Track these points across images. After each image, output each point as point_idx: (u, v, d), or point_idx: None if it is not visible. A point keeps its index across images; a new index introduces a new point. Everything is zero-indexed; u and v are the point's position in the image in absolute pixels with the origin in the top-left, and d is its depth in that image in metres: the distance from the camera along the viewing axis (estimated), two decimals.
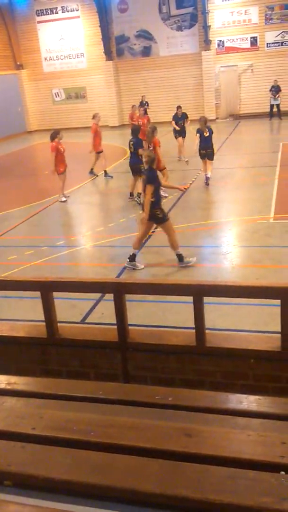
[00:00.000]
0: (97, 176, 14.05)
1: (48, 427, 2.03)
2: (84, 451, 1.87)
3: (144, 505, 1.69)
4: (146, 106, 20.14)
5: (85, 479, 1.73)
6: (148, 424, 2.10)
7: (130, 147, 11.07)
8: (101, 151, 13.69)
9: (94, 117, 13.91)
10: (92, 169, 14.09)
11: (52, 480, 1.73)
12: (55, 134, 11.66)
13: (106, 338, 3.48)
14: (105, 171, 13.88)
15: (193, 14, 23.49)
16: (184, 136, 14.77)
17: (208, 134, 11.57)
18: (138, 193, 10.85)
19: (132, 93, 23.95)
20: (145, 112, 19.25)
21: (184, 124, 14.84)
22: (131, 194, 11.25)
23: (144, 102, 21.26)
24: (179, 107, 15.15)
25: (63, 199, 11.87)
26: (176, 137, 14.87)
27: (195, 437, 2.00)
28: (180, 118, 14.85)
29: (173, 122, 14.90)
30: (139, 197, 10.45)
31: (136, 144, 10.83)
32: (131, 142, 10.96)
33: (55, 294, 3.62)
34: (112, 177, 13.79)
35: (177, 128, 14.72)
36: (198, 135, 11.71)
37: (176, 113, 14.98)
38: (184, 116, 14.92)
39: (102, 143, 13.83)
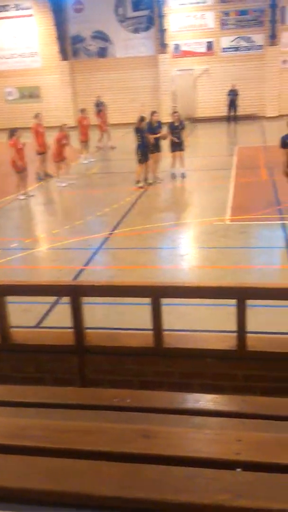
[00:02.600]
0: (52, 177, 13.79)
1: (1, 435, 1.97)
2: (39, 458, 1.82)
3: (102, 509, 1.67)
4: (101, 107, 20.10)
5: (41, 486, 1.69)
6: (106, 428, 2.08)
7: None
8: (43, 153, 13.24)
9: (35, 116, 13.66)
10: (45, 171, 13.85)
11: (6, 489, 1.68)
12: (13, 132, 11.61)
13: (62, 342, 3.42)
14: (46, 173, 13.56)
15: (149, 17, 23.65)
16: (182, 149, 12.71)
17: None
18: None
19: (88, 93, 23.83)
20: (100, 112, 19.23)
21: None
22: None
23: (100, 103, 21.22)
24: (174, 113, 12.91)
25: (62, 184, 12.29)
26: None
27: (153, 438, 2.00)
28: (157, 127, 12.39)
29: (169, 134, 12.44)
30: None
31: None
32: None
33: (9, 298, 3.53)
34: (42, 179, 13.44)
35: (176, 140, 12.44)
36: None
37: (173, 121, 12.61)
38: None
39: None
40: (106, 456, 1.88)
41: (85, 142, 15.75)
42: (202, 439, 1.98)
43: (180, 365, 3.23)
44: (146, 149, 12.00)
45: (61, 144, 12.70)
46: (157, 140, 12.19)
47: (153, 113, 12.29)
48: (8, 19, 24.71)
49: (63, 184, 12.82)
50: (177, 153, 12.54)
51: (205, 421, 2.13)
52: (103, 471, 1.77)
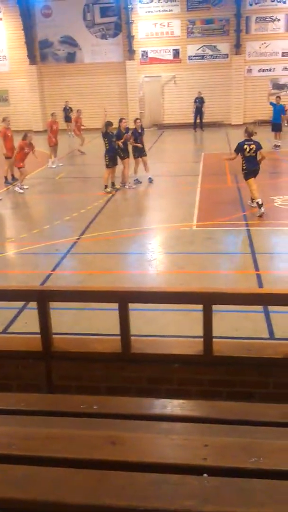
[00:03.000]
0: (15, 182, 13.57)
1: None
2: (5, 465, 1.79)
3: None
4: (69, 112, 20.06)
5: (7, 494, 1.66)
6: (73, 434, 2.06)
7: None
8: (11, 157, 13.06)
9: (3, 120, 13.59)
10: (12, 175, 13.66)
11: None
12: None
13: (29, 347, 3.38)
14: (13, 177, 13.46)
15: (117, 24, 23.75)
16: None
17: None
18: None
19: (57, 98, 23.69)
20: (67, 119, 19.17)
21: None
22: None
23: (68, 108, 21.15)
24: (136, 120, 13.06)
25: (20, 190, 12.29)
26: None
27: (120, 445, 2.00)
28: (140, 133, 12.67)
29: (132, 139, 12.46)
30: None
31: None
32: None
33: None
34: (10, 183, 13.39)
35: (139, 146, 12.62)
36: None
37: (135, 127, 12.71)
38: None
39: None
40: (73, 463, 1.87)
41: (53, 146, 15.64)
42: (169, 445, 1.99)
43: (148, 371, 3.24)
44: (114, 154, 12.12)
45: (23, 152, 12.59)
46: (125, 145, 12.28)
47: (121, 120, 12.42)
48: None
49: (21, 190, 12.67)
50: (142, 158, 12.76)
51: (172, 427, 2.14)
52: (70, 479, 1.76)
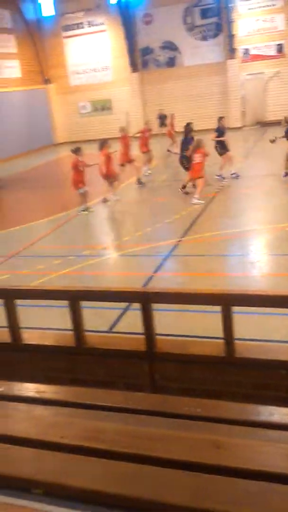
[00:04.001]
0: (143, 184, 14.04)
1: (77, 436, 2.03)
2: (113, 462, 1.86)
3: None
4: (164, 119, 20.62)
5: (115, 489, 1.71)
6: (176, 436, 2.07)
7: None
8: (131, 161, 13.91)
9: (121, 130, 13.97)
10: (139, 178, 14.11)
11: (81, 490, 1.73)
12: (104, 143, 12.34)
13: (133, 347, 3.46)
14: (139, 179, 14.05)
15: (217, 24, 23.57)
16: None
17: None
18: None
19: (157, 103, 24.10)
20: (162, 124, 19.74)
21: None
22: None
23: (162, 115, 21.52)
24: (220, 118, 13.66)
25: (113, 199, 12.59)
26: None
27: (224, 450, 1.96)
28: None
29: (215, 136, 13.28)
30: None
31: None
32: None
33: (82, 303, 3.64)
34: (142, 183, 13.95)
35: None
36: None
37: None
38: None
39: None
40: (176, 465, 1.88)
41: (146, 152, 15.86)
42: (276, 454, 1.92)
43: (252, 376, 3.15)
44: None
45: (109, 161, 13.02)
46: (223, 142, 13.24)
47: (221, 118, 13.44)
48: (82, 36, 25.67)
49: (145, 175, 13.58)
50: (226, 154, 13.32)
51: (280, 435, 2.06)
52: (174, 480, 1.77)
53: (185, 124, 13.39)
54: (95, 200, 12.69)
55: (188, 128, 13.07)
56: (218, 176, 13.30)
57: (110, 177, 12.45)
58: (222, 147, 13.23)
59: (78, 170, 11.69)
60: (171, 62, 24.92)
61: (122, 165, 13.71)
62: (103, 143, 12.25)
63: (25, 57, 25.42)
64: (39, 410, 2.33)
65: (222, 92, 24.09)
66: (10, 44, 24.51)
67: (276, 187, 12.17)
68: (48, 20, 26.04)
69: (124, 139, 13.86)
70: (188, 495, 1.70)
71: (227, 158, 13.33)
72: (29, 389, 2.66)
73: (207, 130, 16.16)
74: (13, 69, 24.79)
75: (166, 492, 1.72)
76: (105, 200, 12.63)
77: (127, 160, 13.77)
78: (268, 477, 1.77)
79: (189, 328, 5.74)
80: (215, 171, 13.30)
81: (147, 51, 25.04)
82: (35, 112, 25.68)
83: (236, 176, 13.38)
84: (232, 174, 13.39)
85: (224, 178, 13.27)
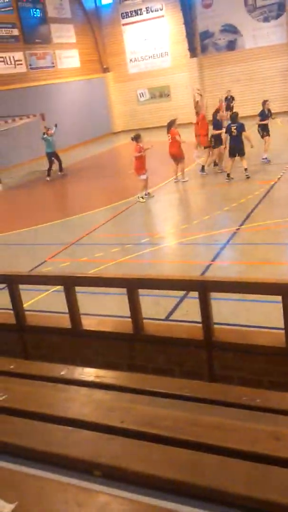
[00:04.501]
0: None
1: (136, 422, 2.07)
2: (171, 448, 1.88)
3: (232, 506, 1.66)
4: (231, 102, 19.90)
5: (173, 475, 1.74)
6: (235, 425, 2.06)
7: (233, 131, 12.03)
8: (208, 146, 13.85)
9: (171, 125, 13.78)
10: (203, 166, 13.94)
11: (141, 474, 1.76)
12: (172, 123, 12.64)
13: (191, 336, 3.47)
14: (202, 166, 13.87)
15: (280, 4, 22.66)
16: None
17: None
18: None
19: (216, 88, 23.61)
20: (228, 108, 18.97)
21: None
22: (228, 175, 12.37)
23: (230, 97, 20.89)
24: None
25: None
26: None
27: (285, 441, 1.93)
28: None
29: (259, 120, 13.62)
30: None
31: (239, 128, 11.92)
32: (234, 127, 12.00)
33: (140, 291, 3.68)
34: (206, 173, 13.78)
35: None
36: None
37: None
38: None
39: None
40: (235, 454, 1.87)
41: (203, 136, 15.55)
42: None
43: None
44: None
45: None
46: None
47: (265, 101, 13.60)
48: (140, 22, 25.56)
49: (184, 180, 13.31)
50: (267, 138, 13.43)
51: None
52: (233, 469, 1.77)
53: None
54: (155, 187, 12.71)
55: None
56: (264, 159, 13.46)
57: (177, 156, 12.69)
58: (263, 130, 13.48)
59: (140, 156, 11.78)
60: (231, 46, 24.30)
61: (206, 147, 13.71)
62: (171, 123, 12.56)
63: (84, 46, 25.68)
64: (99, 394, 2.39)
65: (283, 74, 23.22)
66: (69, 34, 24.84)
67: None
68: (107, 8, 26.11)
69: (203, 119, 13.90)
70: (247, 485, 1.69)
71: (268, 142, 13.47)
72: (89, 373, 2.74)
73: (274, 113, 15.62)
74: (73, 58, 25.14)
75: (223, 480, 1.72)
76: (176, 180, 12.96)
77: (207, 143, 13.64)
78: None
79: (246, 317, 5.66)
80: (261, 154, 13.46)
81: (206, 35, 24.53)
82: (94, 101, 25.96)
83: (267, 161, 13.45)
84: (263, 159, 13.50)
85: (269, 160, 13.41)
